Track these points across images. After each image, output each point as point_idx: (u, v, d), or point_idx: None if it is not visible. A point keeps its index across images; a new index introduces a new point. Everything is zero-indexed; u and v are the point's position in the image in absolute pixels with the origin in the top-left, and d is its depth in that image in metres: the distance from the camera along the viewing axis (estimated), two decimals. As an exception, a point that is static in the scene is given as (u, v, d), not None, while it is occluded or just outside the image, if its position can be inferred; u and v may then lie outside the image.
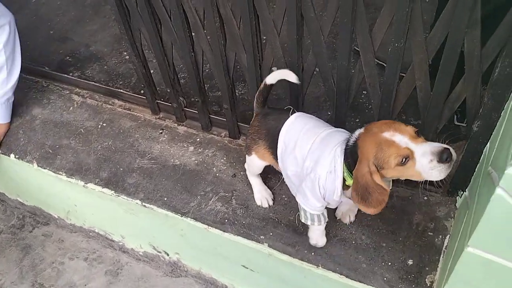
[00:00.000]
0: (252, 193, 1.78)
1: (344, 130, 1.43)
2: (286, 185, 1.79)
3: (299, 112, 1.52)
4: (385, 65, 1.38)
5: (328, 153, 1.34)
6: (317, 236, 1.58)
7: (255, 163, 1.65)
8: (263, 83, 1.54)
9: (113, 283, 2.14)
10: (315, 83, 2.18)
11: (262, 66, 1.66)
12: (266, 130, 1.55)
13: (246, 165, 1.74)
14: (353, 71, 1.48)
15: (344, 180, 1.32)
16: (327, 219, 1.51)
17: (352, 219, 1.64)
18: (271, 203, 1.73)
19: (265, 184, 1.77)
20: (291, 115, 1.49)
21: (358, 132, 1.28)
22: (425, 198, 1.67)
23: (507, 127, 1.10)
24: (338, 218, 1.66)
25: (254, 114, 1.63)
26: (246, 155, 1.67)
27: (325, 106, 2.10)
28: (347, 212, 1.64)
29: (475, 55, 1.22)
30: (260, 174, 1.73)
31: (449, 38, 1.21)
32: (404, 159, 1.15)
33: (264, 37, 1.58)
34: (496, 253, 1.06)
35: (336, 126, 1.68)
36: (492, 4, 1.37)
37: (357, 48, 1.41)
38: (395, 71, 1.35)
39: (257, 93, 1.58)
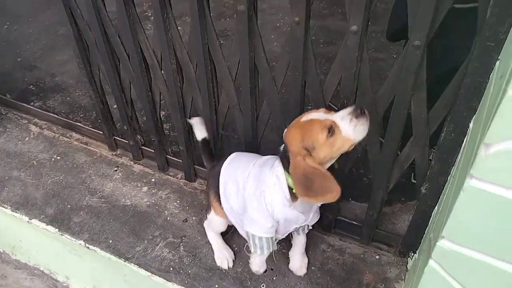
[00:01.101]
0: (202, 240, 1.71)
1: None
2: (237, 234, 1.74)
3: (235, 152, 1.54)
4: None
5: (268, 171, 1.34)
6: (259, 262, 1.53)
7: (213, 220, 1.60)
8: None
9: (54, 326, 2.01)
10: (276, 131, 2.16)
11: (217, 111, 1.63)
12: (212, 179, 1.53)
13: (206, 224, 1.69)
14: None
15: (291, 189, 1.27)
16: (274, 248, 1.47)
17: (304, 270, 1.60)
18: (231, 264, 1.64)
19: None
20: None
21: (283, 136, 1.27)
22: (377, 257, 1.62)
23: (447, 196, 1.08)
24: (294, 272, 1.60)
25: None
26: (207, 214, 1.63)
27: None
28: (301, 264, 1.59)
29: (422, 117, 1.21)
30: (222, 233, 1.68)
31: (396, 100, 1.20)
32: (329, 130, 1.15)
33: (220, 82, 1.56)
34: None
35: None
36: (441, 69, 1.39)
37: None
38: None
39: (201, 151, 1.68)
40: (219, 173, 1.49)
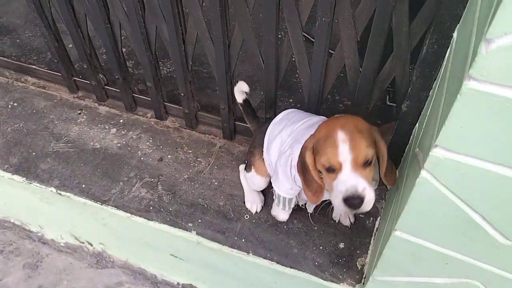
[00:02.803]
0: (180, 178, 1.67)
1: None
2: (216, 169, 1.70)
3: (291, 109, 1.44)
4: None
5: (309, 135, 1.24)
6: (279, 211, 1.50)
7: (254, 180, 1.52)
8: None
9: (32, 276, 1.96)
10: (248, 61, 2.08)
11: (185, 40, 1.53)
12: (259, 135, 1.46)
13: (242, 175, 1.63)
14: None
15: None
16: (291, 209, 1.47)
17: (352, 220, 1.53)
18: (259, 209, 1.58)
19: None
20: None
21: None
22: (357, 179, 1.63)
23: (434, 107, 1.06)
24: (337, 221, 1.54)
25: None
26: (246, 172, 1.55)
27: (258, 86, 2.01)
28: (346, 213, 1.52)
29: (403, 31, 1.16)
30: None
31: (376, 13, 1.14)
32: (330, 168, 1.06)
33: (186, 9, 1.44)
34: (423, 236, 1.03)
35: (266, 109, 1.61)
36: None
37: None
38: (324, 48, 1.27)
39: (243, 112, 1.57)
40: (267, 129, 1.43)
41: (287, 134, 1.34)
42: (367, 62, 1.28)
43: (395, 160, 1.49)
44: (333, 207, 1.12)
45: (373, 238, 1.49)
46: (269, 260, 1.47)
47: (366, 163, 1.04)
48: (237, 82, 1.51)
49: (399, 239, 1.08)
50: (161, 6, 1.43)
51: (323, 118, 1.33)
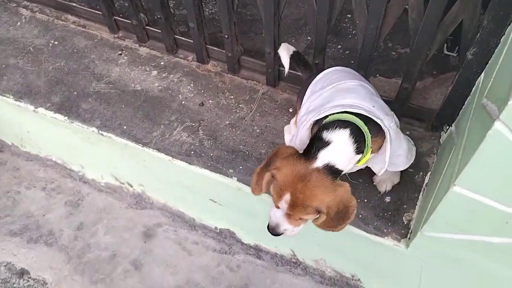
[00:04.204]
0: (222, 123, 1.64)
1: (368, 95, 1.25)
2: (259, 116, 1.66)
3: (339, 67, 1.37)
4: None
5: (338, 101, 1.19)
6: None
7: (292, 127, 1.50)
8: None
9: (74, 214, 2.01)
10: (295, 3, 1.97)
11: (233, -22, 1.44)
12: (303, 89, 1.40)
13: (286, 127, 1.58)
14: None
15: None
16: None
17: (389, 188, 1.45)
18: None
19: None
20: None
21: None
22: (408, 132, 1.55)
23: (509, 54, 0.96)
24: (374, 184, 1.48)
25: None
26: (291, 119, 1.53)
27: (304, 30, 1.91)
28: (385, 180, 1.44)
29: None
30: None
31: None
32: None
33: None
34: (486, 193, 0.97)
35: (315, 54, 1.53)
36: None
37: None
38: (386, -14, 1.17)
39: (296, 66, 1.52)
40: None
41: (313, 98, 1.29)
42: (433, 3, 1.17)
43: (452, 113, 1.40)
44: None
45: (421, 193, 1.43)
46: (311, 210, 1.44)
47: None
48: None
49: (458, 195, 1.02)
50: None
51: (353, 83, 1.26)
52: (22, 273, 1.85)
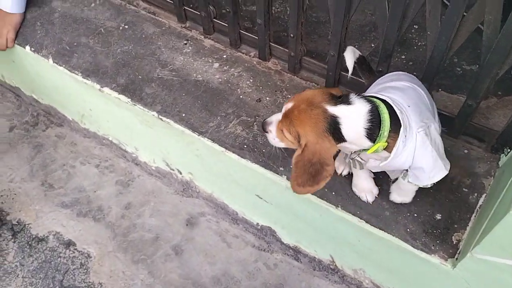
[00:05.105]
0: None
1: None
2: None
3: (401, 72, 1.40)
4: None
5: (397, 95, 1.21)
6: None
7: None
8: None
9: (123, 193, 2.09)
10: (361, 10, 1.96)
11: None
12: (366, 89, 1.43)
13: None
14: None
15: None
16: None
17: (396, 200, 1.44)
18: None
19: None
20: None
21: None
22: (466, 151, 1.52)
23: None
24: (418, 199, 1.44)
25: None
26: None
27: (369, 36, 1.90)
28: (398, 191, 1.43)
29: None
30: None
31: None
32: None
33: None
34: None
35: (379, 61, 1.52)
36: None
37: None
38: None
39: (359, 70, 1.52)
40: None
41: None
42: (510, 20, 1.13)
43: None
44: None
45: (474, 214, 1.39)
46: (358, 217, 1.44)
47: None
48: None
49: (518, 220, 0.99)
50: None
51: (404, 84, 1.27)
52: (69, 244, 1.94)
